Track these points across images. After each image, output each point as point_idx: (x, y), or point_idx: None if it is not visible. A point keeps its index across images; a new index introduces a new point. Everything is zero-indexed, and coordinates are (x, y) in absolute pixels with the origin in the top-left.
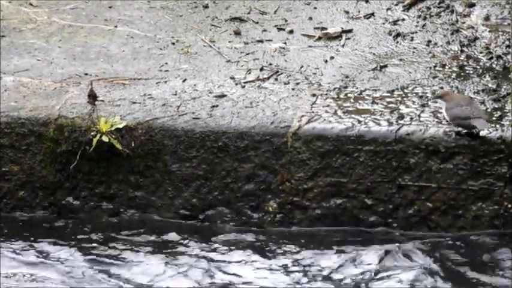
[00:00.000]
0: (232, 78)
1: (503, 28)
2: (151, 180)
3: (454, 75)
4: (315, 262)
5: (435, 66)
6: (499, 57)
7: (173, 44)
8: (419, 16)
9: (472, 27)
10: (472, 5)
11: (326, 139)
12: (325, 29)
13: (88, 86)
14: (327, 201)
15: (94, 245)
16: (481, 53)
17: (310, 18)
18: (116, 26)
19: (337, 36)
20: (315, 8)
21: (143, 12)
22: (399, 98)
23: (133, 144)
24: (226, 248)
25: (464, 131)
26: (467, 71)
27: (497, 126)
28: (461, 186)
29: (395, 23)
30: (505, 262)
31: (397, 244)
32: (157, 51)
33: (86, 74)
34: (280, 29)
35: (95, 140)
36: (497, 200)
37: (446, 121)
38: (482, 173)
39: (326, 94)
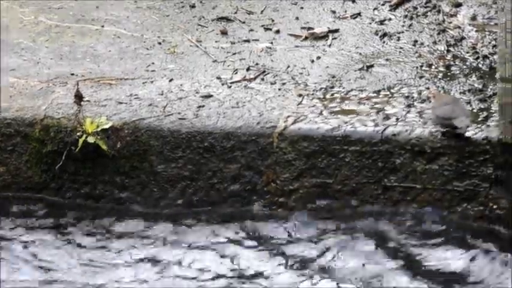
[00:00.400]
0: (218, 78)
1: (489, 28)
2: (137, 181)
3: (440, 75)
4: None
5: (421, 66)
6: (485, 57)
7: (160, 43)
8: (405, 16)
9: (459, 27)
10: (459, 5)
11: (312, 139)
12: (312, 29)
13: (74, 86)
14: (312, 203)
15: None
16: (467, 52)
17: (297, 18)
18: (102, 26)
19: (323, 36)
20: (302, 7)
21: (130, 12)
22: (385, 98)
23: (119, 145)
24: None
25: (447, 130)
26: (453, 71)
27: (483, 126)
28: (446, 187)
29: (382, 22)
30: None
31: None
32: (144, 51)
33: (73, 74)
34: (267, 29)
35: (80, 141)
36: (482, 201)
37: (432, 121)
38: (468, 174)
39: (312, 94)
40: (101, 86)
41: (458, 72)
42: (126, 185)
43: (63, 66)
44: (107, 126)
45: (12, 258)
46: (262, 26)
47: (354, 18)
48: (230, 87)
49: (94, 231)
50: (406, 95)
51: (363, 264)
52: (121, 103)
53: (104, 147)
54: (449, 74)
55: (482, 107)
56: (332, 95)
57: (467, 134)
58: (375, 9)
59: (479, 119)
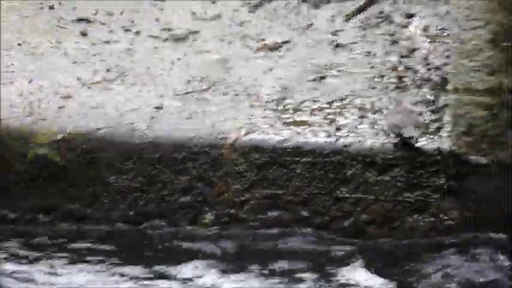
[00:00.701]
0: (172, 89)
1: (442, 39)
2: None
3: (392, 86)
4: None
5: (374, 77)
6: (437, 68)
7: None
8: (359, 27)
9: (411, 38)
10: (411, 16)
11: (263, 151)
12: (264, 40)
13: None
14: (263, 214)
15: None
16: (419, 63)
17: (249, 30)
18: None
19: (276, 47)
20: (250, 20)
21: None
22: (338, 109)
23: (70, 156)
24: None
25: (400, 141)
26: (405, 82)
27: (435, 137)
28: (397, 198)
29: (335, 33)
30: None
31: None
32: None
33: None
34: (221, 41)
35: (31, 152)
36: (433, 212)
37: (384, 132)
38: (419, 185)
39: (265, 105)
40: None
41: (410, 83)
42: (77, 197)
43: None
44: (58, 137)
45: None
46: (215, 37)
47: (307, 28)
48: (182, 98)
49: None
50: (359, 106)
51: None
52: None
53: (56, 158)
54: (401, 85)
55: (434, 118)
56: (284, 106)
57: (418, 144)
58: (328, 20)
59: (431, 130)
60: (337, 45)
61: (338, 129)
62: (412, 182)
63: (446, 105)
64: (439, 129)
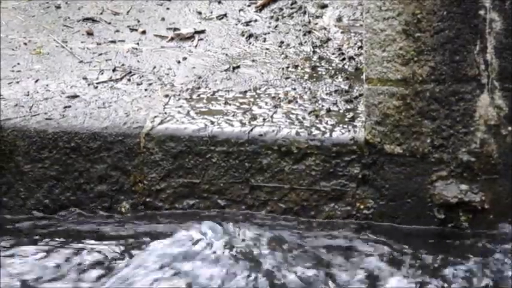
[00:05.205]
0: (84, 78)
1: (355, 29)
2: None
3: (306, 76)
4: None
5: (288, 67)
6: (351, 58)
7: (25, 44)
8: (271, 17)
9: (325, 29)
10: (325, 6)
11: (179, 140)
12: (178, 29)
13: None
14: (179, 202)
15: None
16: (333, 54)
17: (163, 19)
18: None
19: (189, 37)
20: (168, 8)
21: None
22: (252, 99)
23: None
24: None
25: None
26: (319, 72)
27: (350, 127)
28: (313, 187)
29: (247, 23)
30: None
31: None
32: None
33: None
34: (132, 30)
35: None
36: (349, 201)
37: (299, 121)
38: (335, 174)
39: (179, 95)
40: None
41: (324, 73)
42: None
43: None
44: None
45: None
46: (127, 26)
47: (220, 19)
48: (96, 87)
49: None
50: (273, 95)
51: None
52: None
53: None
54: (315, 75)
55: (348, 107)
56: (199, 95)
57: (333, 134)
58: (240, 10)
59: (346, 120)
60: (250, 35)
61: (253, 118)
62: (328, 171)
63: (360, 95)
64: (353, 118)
